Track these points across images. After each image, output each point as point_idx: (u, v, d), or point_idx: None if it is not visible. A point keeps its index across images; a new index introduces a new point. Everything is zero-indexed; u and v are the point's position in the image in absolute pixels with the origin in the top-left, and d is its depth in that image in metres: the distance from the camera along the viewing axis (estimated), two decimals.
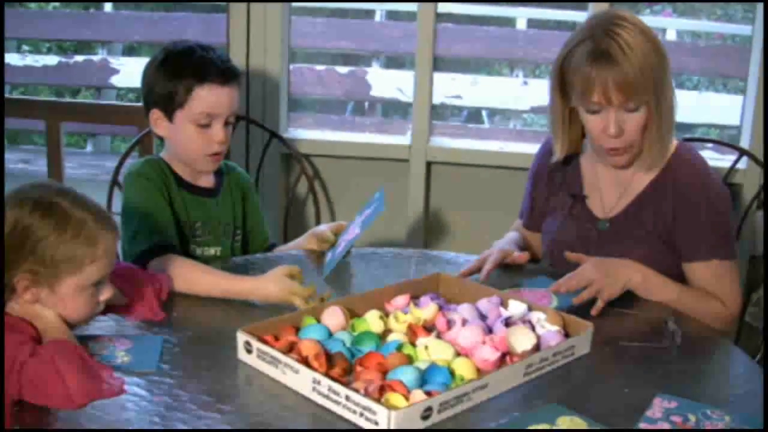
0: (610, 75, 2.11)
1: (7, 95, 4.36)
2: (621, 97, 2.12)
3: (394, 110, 5.81)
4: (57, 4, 6.42)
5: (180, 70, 2.29)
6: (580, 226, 2.36)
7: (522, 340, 1.78)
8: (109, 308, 1.88)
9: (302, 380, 1.62)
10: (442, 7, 3.56)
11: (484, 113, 5.97)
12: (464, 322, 1.85)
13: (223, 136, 2.31)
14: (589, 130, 2.24)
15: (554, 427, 1.54)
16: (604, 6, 3.22)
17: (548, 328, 1.85)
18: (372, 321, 1.87)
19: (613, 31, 2.13)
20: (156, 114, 2.33)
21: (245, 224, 2.50)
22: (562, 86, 2.24)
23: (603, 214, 2.35)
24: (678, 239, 2.25)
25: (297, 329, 1.82)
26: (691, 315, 2.14)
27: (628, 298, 2.14)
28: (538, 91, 5.16)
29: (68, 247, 1.65)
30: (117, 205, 2.78)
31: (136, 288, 1.93)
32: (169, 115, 2.32)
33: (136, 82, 5.62)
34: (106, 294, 1.76)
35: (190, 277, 2.06)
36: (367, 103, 5.67)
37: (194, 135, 2.30)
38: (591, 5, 3.31)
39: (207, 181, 2.42)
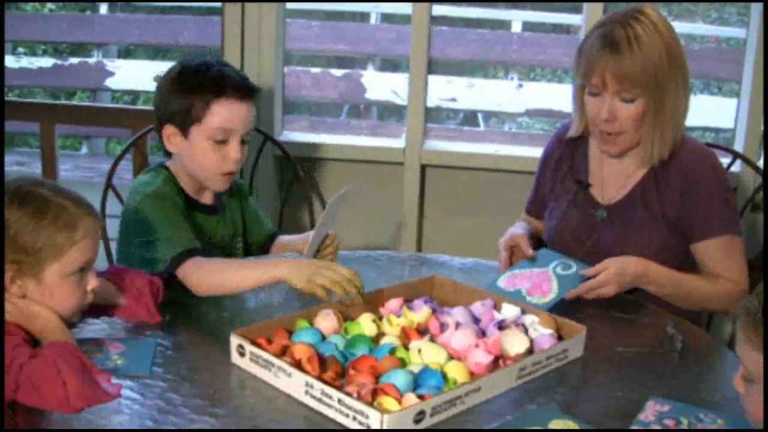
0: (611, 62, 2.17)
1: None
2: (616, 85, 2.18)
3: (389, 113, 5.82)
4: (53, 6, 6.41)
5: (197, 84, 2.22)
6: (582, 213, 2.38)
7: (515, 344, 1.78)
8: (108, 308, 1.91)
9: (295, 383, 1.62)
10: (438, 10, 3.56)
11: (479, 116, 5.97)
12: (457, 326, 1.85)
13: (239, 154, 2.25)
14: (587, 111, 2.29)
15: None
16: (599, 8, 3.23)
17: (541, 332, 1.85)
18: (365, 324, 1.87)
19: (628, 23, 2.19)
20: (170, 130, 2.26)
21: (245, 228, 2.50)
22: (578, 66, 2.29)
23: (603, 202, 2.37)
24: (688, 219, 2.27)
25: (290, 332, 1.82)
26: (703, 303, 2.24)
27: (625, 303, 2.15)
28: (533, 94, 5.18)
29: (47, 233, 1.65)
30: (111, 208, 2.78)
31: (134, 289, 1.93)
32: (185, 130, 2.24)
33: (131, 84, 5.70)
34: (92, 282, 1.75)
35: (223, 274, 2.07)
36: (362, 106, 5.68)
37: (210, 152, 2.24)
38: (585, 7, 3.32)
39: (208, 198, 2.37)
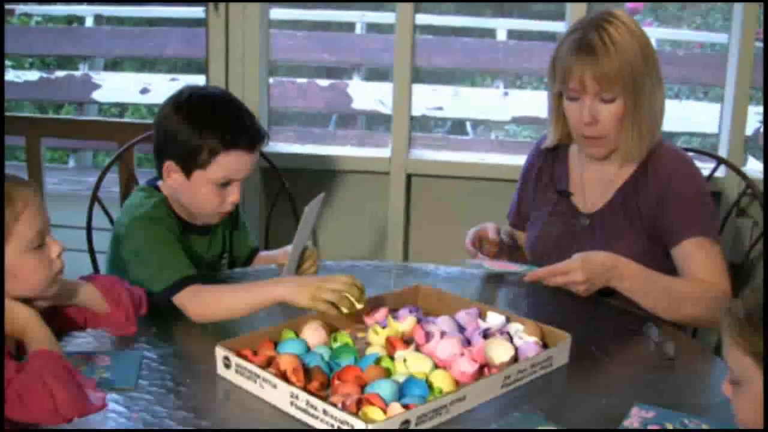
0: (588, 65, 2.19)
1: None
2: (596, 86, 2.20)
3: (378, 123, 5.82)
4: (39, 18, 6.40)
5: (206, 129, 2.14)
6: (564, 222, 2.39)
7: (500, 352, 1.78)
8: (90, 316, 1.91)
9: (280, 395, 1.62)
10: (423, 19, 3.58)
11: (468, 124, 5.98)
12: (442, 335, 1.85)
13: (238, 196, 2.21)
14: (568, 117, 2.31)
15: None
16: (582, 12, 3.24)
17: (526, 340, 1.86)
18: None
19: (601, 26, 2.21)
20: (170, 166, 2.18)
21: (232, 244, 2.48)
22: (553, 74, 2.31)
23: (585, 210, 2.38)
24: (664, 222, 2.26)
25: (275, 344, 1.82)
26: (681, 304, 2.16)
27: (609, 309, 2.16)
28: (519, 102, 5.19)
29: None
30: (97, 221, 2.78)
31: (113, 293, 1.93)
32: (187, 172, 2.17)
33: (117, 97, 5.68)
34: (55, 249, 1.74)
35: (223, 302, 2.02)
36: (350, 116, 5.69)
37: (210, 194, 2.18)
38: (569, 14, 3.33)
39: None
